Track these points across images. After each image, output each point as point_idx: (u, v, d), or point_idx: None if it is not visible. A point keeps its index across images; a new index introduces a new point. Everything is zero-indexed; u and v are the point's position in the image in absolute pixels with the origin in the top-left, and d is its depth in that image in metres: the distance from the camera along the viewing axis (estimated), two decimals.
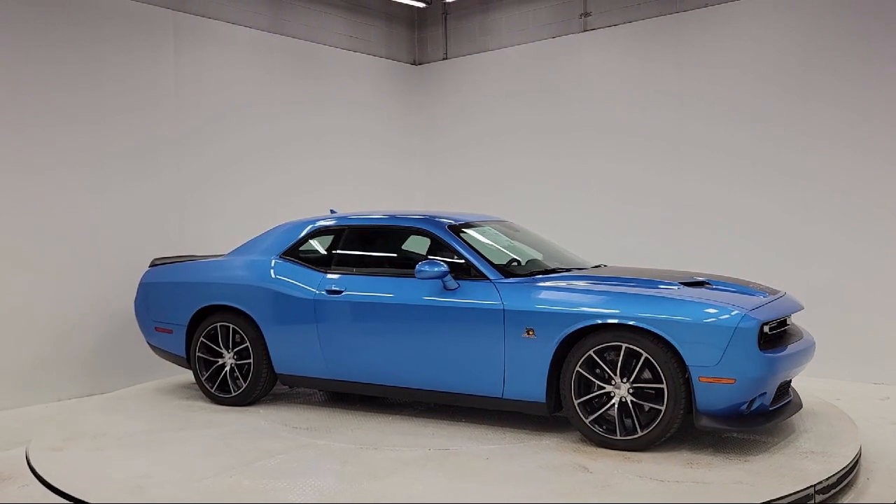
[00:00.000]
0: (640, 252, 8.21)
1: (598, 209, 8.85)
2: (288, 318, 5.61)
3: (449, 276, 5.04)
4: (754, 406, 4.51)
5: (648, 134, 8.47)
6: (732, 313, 4.42)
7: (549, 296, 4.86)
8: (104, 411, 5.85)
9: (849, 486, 4.34)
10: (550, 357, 4.72)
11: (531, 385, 4.82)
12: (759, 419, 4.56)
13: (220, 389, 5.88)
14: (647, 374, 4.53)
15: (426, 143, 10.43)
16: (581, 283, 4.99)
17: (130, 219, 7.39)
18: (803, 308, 5.27)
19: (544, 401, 4.80)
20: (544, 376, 4.76)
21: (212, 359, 5.93)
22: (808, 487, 3.97)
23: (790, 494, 3.91)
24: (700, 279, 5.17)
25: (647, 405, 4.53)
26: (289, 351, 5.65)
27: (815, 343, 5.09)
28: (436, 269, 4.99)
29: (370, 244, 5.86)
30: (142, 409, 5.85)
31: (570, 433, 4.97)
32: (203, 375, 5.93)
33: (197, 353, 5.95)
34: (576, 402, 4.68)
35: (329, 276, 5.58)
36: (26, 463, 4.64)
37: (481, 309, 4.94)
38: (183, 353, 6.09)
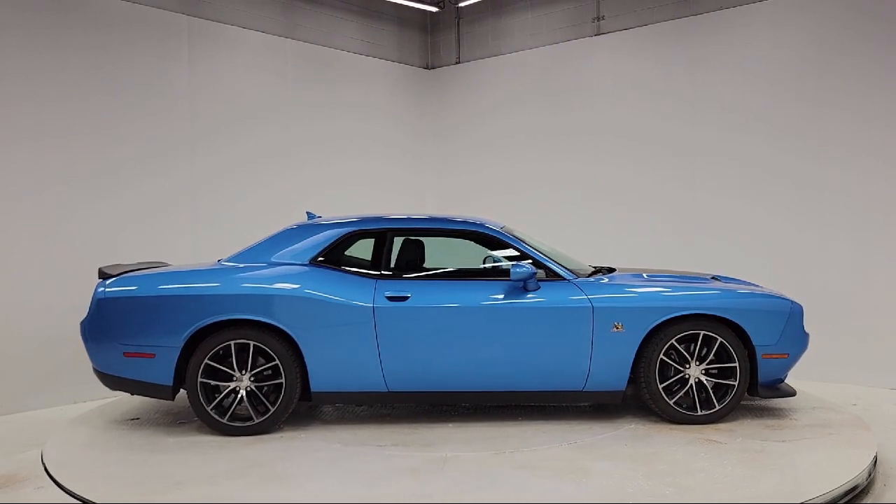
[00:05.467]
0: (648, 255, 8.17)
1: (606, 213, 8.83)
2: (338, 330, 5.08)
3: (534, 278, 5.14)
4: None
5: (660, 138, 8.45)
6: (784, 300, 5.30)
7: (632, 292, 5.26)
8: (135, 436, 5.14)
9: (865, 491, 4.30)
10: (636, 347, 5.12)
11: (616, 375, 5.17)
12: (787, 387, 5.37)
13: (233, 419, 5.06)
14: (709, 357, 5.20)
15: (438, 147, 10.44)
16: (650, 281, 5.49)
17: (143, 222, 7.44)
18: None
19: (624, 388, 5.20)
20: (629, 366, 5.15)
21: (215, 383, 5.07)
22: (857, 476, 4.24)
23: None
24: (711, 276, 5.96)
25: (711, 382, 5.18)
26: (336, 366, 5.11)
27: None
28: (528, 270, 5.07)
29: (418, 248, 5.71)
30: (163, 443, 4.98)
31: (638, 416, 5.38)
32: (209, 404, 5.02)
33: (199, 379, 5.02)
34: (660, 387, 5.11)
35: (384, 281, 5.22)
36: (45, 471, 4.59)
37: (571, 307, 5.12)
38: (168, 382, 5.05)
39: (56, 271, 6.83)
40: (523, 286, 5.16)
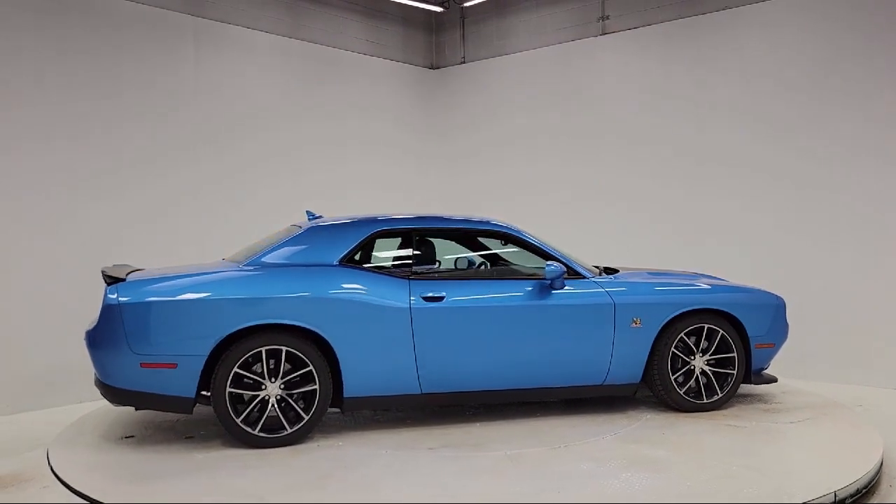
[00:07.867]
0: (649, 255, 8.16)
1: (608, 213, 8.83)
2: (374, 332, 4.87)
3: (562, 277, 5.25)
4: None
5: (663, 137, 8.44)
6: (771, 294, 5.74)
7: (646, 289, 5.51)
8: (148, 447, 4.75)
9: (870, 492, 4.29)
10: (652, 341, 5.37)
11: (633, 368, 5.39)
12: (770, 375, 5.79)
13: (264, 430, 4.68)
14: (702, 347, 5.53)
15: (443, 148, 10.44)
16: (658, 278, 5.77)
17: (147, 222, 7.46)
18: None
19: (639, 381, 5.44)
20: (645, 359, 5.39)
21: (242, 392, 4.70)
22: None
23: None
24: (694, 273, 6.29)
25: (713, 372, 5.51)
26: (371, 369, 4.90)
27: None
28: (559, 269, 5.18)
29: (441, 247, 5.64)
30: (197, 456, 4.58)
31: (643, 407, 5.61)
32: (239, 416, 4.65)
33: (228, 389, 4.63)
34: (672, 378, 5.37)
35: (416, 281, 5.05)
36: (49, 467, 4.60)
37: (597, 304, 5.30)
38: (191, 393, 4.62)
39: (60, 271, 6.85)
40: (550, 285, 5.24)
